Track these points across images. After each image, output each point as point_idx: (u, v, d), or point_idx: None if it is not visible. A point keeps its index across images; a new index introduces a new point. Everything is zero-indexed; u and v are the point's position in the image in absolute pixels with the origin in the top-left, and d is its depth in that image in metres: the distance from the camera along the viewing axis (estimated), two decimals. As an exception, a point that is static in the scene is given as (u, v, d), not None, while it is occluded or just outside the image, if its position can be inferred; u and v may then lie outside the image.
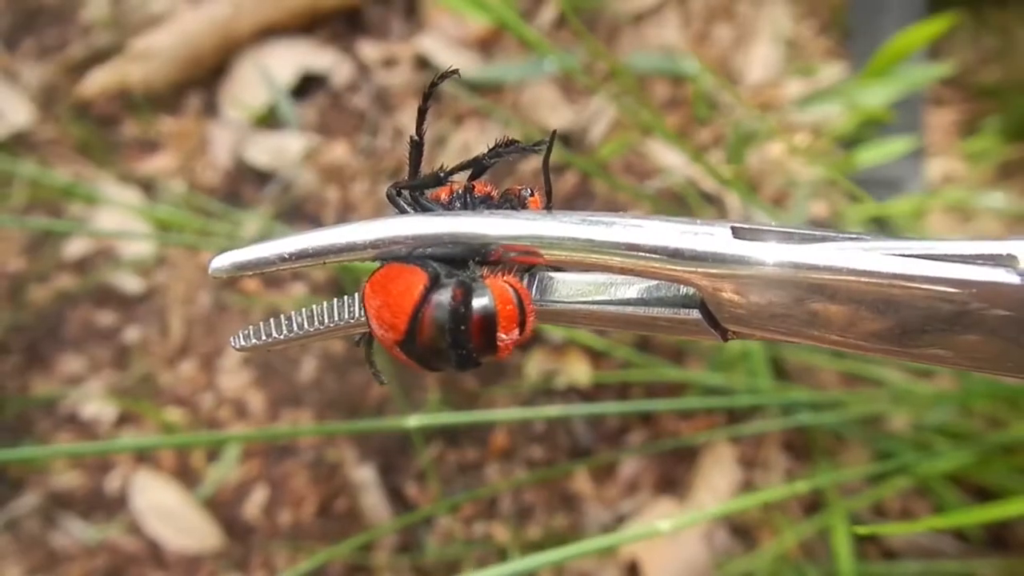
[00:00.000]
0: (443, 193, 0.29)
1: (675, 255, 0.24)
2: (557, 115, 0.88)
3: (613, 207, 0.83)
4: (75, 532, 0.77)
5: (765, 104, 0.85)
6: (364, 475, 0.75)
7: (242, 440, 0.79)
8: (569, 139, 0.87)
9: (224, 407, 0.81)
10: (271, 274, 0.26)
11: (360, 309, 0.27)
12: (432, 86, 0.28)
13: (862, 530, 0.43)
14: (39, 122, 0.97)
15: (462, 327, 0.24)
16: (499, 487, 0.73)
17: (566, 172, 0.85)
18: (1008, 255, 0.23)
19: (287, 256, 0.25)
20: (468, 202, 0.28)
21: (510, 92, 0.90)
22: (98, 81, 0.97)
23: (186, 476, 0.79)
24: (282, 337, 0.28)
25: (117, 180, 0.92)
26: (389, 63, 0.95)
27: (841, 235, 0.25)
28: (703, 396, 0.68)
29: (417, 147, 0.28)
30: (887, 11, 0.83)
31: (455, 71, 0.28)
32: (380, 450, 0.77)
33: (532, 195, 0.28)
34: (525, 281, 0.27)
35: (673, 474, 0.73)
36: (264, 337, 0.28)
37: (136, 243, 0.88)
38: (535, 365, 0.75)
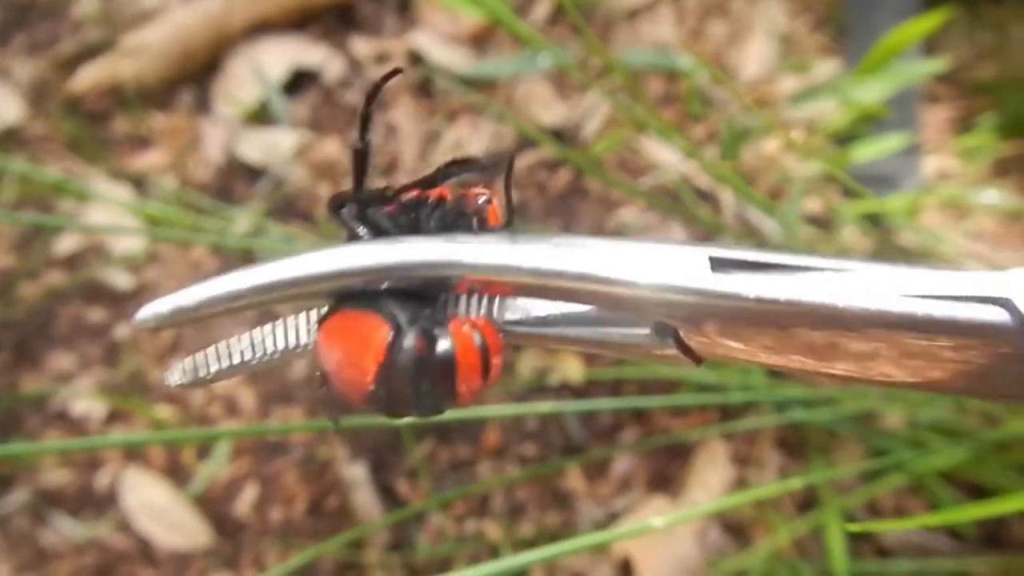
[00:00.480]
0: (390, 204, 0.27)
1: (648, 288, 0.23)
2: (550, 111, 0.87)
3: (607, 204, 0.83)
4: (64, 530, 0.77)
5: (759, 100, 0.85)
6: (355, 472, 0.75)
7: (232, 437, 0.78)
8: (563, 135, 0.87)
9: (215, 404, 0.80)
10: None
11: (309, 334, 0.26)
12: (376, 90, 0.25)
13: (854, 528, 0.43)
14: (30, 118, 0.97)
15: (425, 378, 0.23)
16: (491, 484, 0.73)
17: (559, 169, 0.85)
18: (1003, 297, 0.23)
19: (215, 300, 0.22)
20: (418, 216, 0.27)
21: (503, 88, 0.90)
22: (89, 77, 0.96)
23: (176, 473, 0.78)
24: (223, 369, 0.26)
25: (108, 176, 0.92)
26: (381, 59, 0.95)
27: (823, 264, 0.24)
28: (696, 393, 0.68)
29: (360, 156, 0.26)
30: (882, 7, 0.83)
31: (399, 70, 0.26)
32: (371, 447, 0.76)
33: (490, 202, 0.27)
34: (492, 309, 0.25)
35: (666, 471, 0.73)
36: (201, 373, 0.26)
37: (127, 239, 0.87)
38: (527, 362, 0.75)
